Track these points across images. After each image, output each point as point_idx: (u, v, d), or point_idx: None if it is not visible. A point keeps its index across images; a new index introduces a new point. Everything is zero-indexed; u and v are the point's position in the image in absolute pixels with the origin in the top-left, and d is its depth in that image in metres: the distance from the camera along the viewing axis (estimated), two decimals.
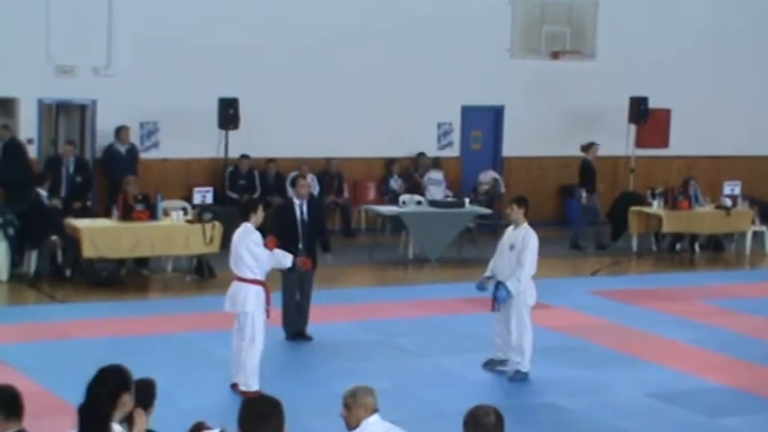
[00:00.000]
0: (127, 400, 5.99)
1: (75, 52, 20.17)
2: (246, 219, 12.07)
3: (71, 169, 19.51)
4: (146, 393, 6.50)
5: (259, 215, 12.12)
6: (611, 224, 22.51)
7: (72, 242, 17.12)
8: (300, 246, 13.86)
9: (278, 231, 13.41)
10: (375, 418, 7.16)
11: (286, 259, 12.40)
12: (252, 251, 11.83)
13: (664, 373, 13.40)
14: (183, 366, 12.83)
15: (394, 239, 20.90)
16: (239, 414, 5.70)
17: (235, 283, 12.03)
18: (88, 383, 5.93)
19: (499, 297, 12.75)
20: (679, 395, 12.45)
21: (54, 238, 17.17)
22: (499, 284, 12.80)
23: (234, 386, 11.97)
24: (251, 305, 11.84)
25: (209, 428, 6.75)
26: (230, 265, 12.10)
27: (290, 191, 18.33)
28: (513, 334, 12.79)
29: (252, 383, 11.75)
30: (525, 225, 12.84)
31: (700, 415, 11.85)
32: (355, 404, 7.13)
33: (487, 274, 13.11)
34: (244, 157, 21.41)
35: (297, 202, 14.15)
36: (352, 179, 22.95)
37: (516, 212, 12.89)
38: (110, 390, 5.90)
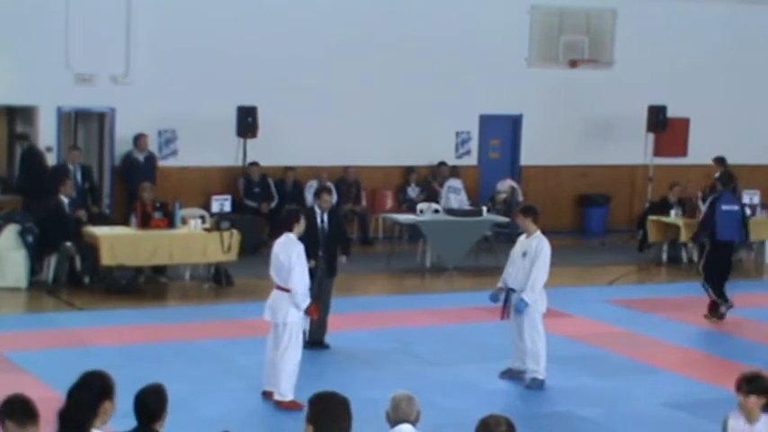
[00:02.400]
0: (109, 408, 5.90)
1: (94, 60, 20.26)
2: (289, 229, 11.95)
3: (78, 176, 19.42)
4: (155, 399, 6.41)
5: (302, 225, 12.04)
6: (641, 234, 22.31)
7: (91, 250, 17.17)
8: (321, 253, 13.89)
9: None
10: (404, 427, 7.11)
11: (304, 300, 11.87)
12: (292, 262, 11.67)
13: (681, 382, 13.36)
14: (201, 374, 12.85)
15: (411, 248, 20.88)
16: (309, 412, 5.74)
17: (275, 293, 11.89)
18: (69, 388, 5.88)
19: (519, 309, 12.76)
20: (697, 404, 12.38)
21: (69, 244, 17.21)
22: (511, 292, 12.90)
23: (267, 394, 11.95)
24: (293, 316, 11.79)
25: None
26: (270, 273, 11.98)
27: (311, 200, 18.34)
28: (528, 341, 12.84)
29: (286, 392, 11.74)
30: (538, 233, 12.88)
31: (718, 424, 11.78)
32: (390, 412, 7.11)
33: (500, 285, 13.18)
34: (253, 164, 21.34)
35: (318, 211, 14.19)
36: (370, 187, 22.95)
37: (523, 221, 12.97)
38: (91, 395, 5.83)
